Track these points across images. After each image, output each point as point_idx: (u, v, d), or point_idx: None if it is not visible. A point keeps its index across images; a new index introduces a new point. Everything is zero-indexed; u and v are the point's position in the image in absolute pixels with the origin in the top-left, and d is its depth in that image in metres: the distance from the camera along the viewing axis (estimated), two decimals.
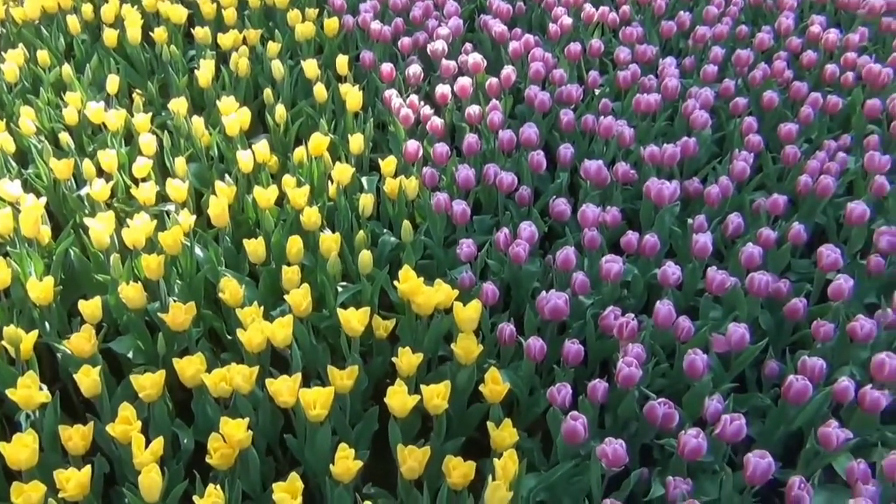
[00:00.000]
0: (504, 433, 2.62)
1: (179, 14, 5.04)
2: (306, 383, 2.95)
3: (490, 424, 2.68)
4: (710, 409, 2.80)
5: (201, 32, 5.01)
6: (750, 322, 3.29)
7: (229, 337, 3.46)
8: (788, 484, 2.49)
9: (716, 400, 2.81)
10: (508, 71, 4.54)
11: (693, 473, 2.75)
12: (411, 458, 2.53)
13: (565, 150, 4.11)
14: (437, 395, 2.77)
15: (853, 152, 4.24)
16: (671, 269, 3.34)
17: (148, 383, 2.80)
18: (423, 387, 2.79)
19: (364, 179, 4.08)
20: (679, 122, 4.46)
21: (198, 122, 4.17)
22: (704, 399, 2.84)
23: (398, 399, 2.75)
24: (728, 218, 3.72)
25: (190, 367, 2.84)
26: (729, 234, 3.71)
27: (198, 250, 3.63)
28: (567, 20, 5.13)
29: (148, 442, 2.57)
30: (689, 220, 3.74)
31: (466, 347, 3.00)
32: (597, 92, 4.69)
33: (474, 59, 4.61)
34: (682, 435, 2.65)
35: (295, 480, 2.46)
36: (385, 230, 3.88)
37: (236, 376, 2.80)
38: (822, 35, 4.93)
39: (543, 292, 3.24)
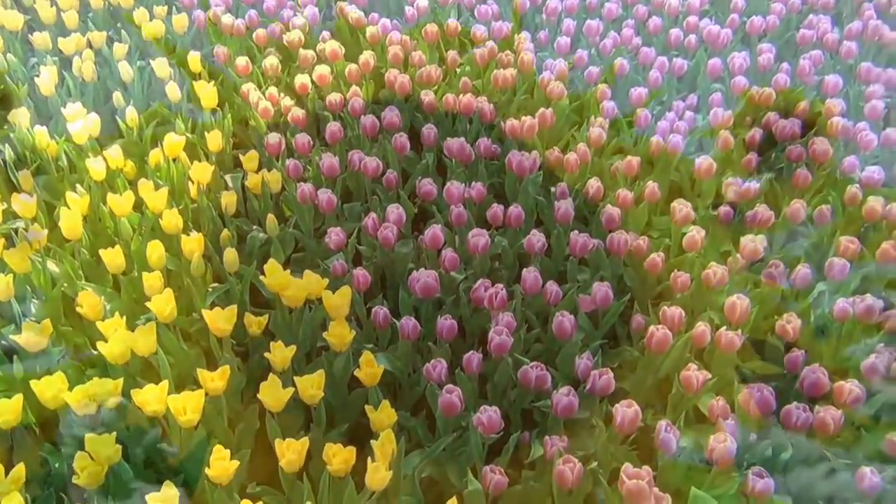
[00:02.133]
0: (382, 415, 2.62)
1: (15, 21, 4.79)
2: (182, 389, 2.87)
3: (368, 408, 2.68)
4: (581, 366, 2.89)
5: (40, 38, 4.77)
6: (615, 280, 3.40)
7: (94, 352, 3.34)
8: (656, 428, 2.60)
9: (585, 357, 2.90)
10: (367, 56, 4.53)
11: (572, 430, 2.83)
12: (290, 451, 2.51)
13: (428, 131, 4.13)
14: (311, 386, 2.75)
15: (700, 110, 4.43)
16: (535, 238, 3.42)
17: (4, 409, 2.66)
18: (296, 378, 2.76)
19: (228, 177, 3.99)
20: (538, 94, 4.56)
21: (41, 132, 3.98)
22: (575, 358, 2.92)
23: (272, 394, 2.71)
24: (588, 183, 3.83)
25: (49, 388, 2.72)
26: (590, 198, 3.83)
27: (52, 266, 3.47)
28: (423, 2, 5.15)
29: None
30: (552, 189, 3.83)
31: (339, 334, 2.99)
32: (457, 71, 4.74)
33: (332, 46, 4.57)
34: (555, 394, 2.72)
35: (168, 488, 2.40)
36: (254, 227, 3.81)
37: (100, 391, 2.70)
38: (665, 2, 5.13)
39: (414, 272, 3.26)
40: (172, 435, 2.80)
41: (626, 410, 2.63)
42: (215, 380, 2.76)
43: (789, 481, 2.53)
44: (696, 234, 3.33)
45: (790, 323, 3.01)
